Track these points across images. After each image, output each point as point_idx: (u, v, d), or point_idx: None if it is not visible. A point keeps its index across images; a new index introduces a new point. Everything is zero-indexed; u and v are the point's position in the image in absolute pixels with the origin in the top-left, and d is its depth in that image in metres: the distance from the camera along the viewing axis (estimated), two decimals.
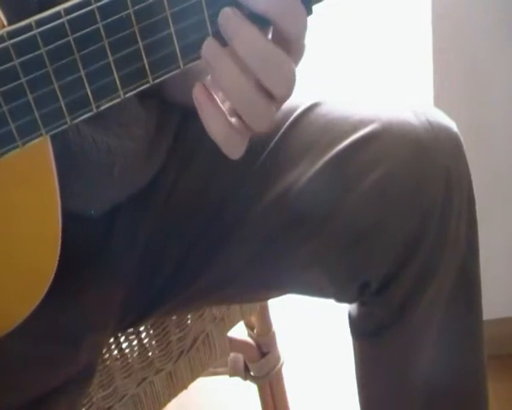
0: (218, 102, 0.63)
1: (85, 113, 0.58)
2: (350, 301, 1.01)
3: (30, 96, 0.56)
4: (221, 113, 0.63)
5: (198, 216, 0.97)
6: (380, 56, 1.73)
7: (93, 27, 0.56)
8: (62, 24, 0.55)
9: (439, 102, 1.37)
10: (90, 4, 0.55)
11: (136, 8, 0.56)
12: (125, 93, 0.59)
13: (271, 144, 0.94)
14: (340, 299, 1.00)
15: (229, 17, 0.59)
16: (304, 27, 0.61)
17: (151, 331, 1.11)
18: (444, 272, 0.93)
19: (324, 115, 0.94)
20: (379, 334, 0.99)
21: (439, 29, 1.32)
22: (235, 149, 0.64)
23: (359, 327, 1.02)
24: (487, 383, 1.04)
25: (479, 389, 1.04)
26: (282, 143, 0.94)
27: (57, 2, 0.57)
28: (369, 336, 1.02)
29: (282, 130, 0.94)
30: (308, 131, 0.94)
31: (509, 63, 1.35)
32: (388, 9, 1.56)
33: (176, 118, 0.97)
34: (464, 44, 1.34)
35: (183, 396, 1.21)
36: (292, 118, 0.95)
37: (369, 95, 0.98)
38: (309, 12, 0.61)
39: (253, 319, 1.31)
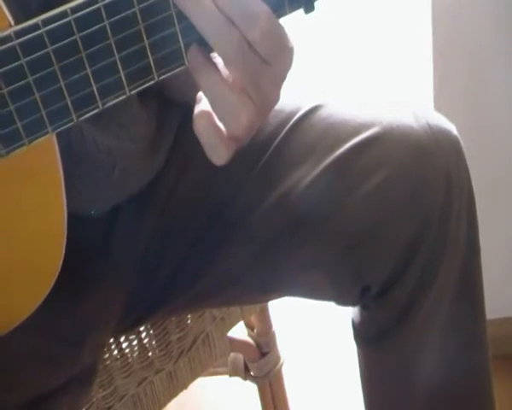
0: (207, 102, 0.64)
1: (91, 110, 0.59)
2: (350, 305, 1.01)
3: (37, 95, 0.57)
4: (207, 112, 0.64)
5: (198, 217, 0.97)
6: (380, 56, 1.73)
7: (99, 26, 0.56)
8: (69, 23, 0.55)
9: (438, 103, 1.37)
10: (96, 3, 0.56)
11: (142, 6, 0.56)
12: (130, 90, 0.59)
13: (273, 146, 0.95)
14: (340, 302, 1.01)
15: (195, 55, 0.61)
16: (291, 62, 0.63)
17: (151, 331, 1.11)
18: (445, 274, 0.93)
19: (325, 118, 0.94)
20: (382, 339, 0.99)
21: (439, 29, 1.32)
22: (216, 152, 0.66)
23: (362, 333, 1.02)
24: (492, 385, 1.04)
25: (484, 390, 1.04)
26: (284, 145, 0.94)
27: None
28: (372, 342, 1.02)
29: (284, 132, 0.95)
30: (309, 134, 0.94)
31: (509, 63, 1.35)
32: (388, 9, 1.56)
33: (176, 118, 0.96)
34: (464, 44, 1.34)
35: (183, 396, 1.21)
36: (293, 120, 0.95)
37: (369, 97, 0.98)
38: (311, 8, 0.61)
39: (253, 319, 1.31)
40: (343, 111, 0.94)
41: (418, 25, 1.36)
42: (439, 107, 1.35)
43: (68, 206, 0.69)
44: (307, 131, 0.94)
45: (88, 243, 0.90)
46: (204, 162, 0.95)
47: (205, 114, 0.65)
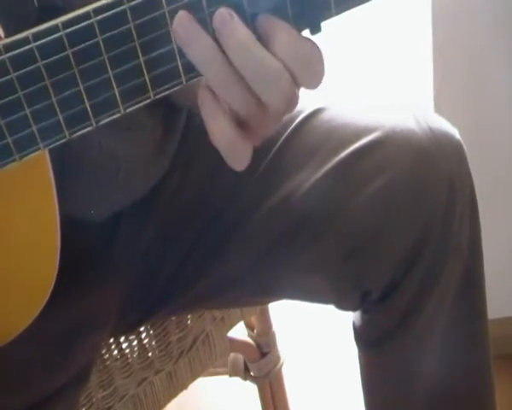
0: (222, 106, 0.60)
1: (84, 127, 0.57)
2: (351, 309, 1.01)
3: (27, 110, 0.56)
4: (225, 116, 0.60)
5: (199, 220, 0.96)
6: (380, 57, 1.73)
7: (92, 41, 0.55)
8: (60, 37, 0.54)
9: (438, 103, 1.37)
10: (89, 18, 0.54)
11: (137, 22, 0.55)
12: (125, 108, 0.57)
13: (274, 149, 0.94)
14: (340, 306, 1.00)
15: (225, 20, 0.56)
16: (322, 74, 0.59)
17: (151, 331, 1.11)
18: (447, 278, 0.93)
19: (328, 121, 0.94)
20: (383, 341, 0.99)
21: (439, 29, 1.31)
22: (238, 157, 0.62)
23: (363, 335, 1.02)
24: (494, 386, 1.04)
25: (484, 391, 1.04)
26: (285, 148, 0.94)
27: (58, 9, 0.56)
28: (373, 345, 1.02)
29: (285, 135, 0.94)
30: (311, 136, 0.93)
31: (509, 63, 1.35)
32: (388, 9, 1.56)
33: (181, 122, 0.96)
34: (464, 44, 1.34)
35: (183, 396, 1.21)
36: (295, 123, 0.94)
37: (371, 100, 0.98)
38: (317, 29, 0.59)
39: (253, 319, 1.31)
40: (345, 115, 0.94)
41: (418, 25, 1.35)
42: (439, 107, 1.35)
43: (71, 209, 0.68)
44: (309, 134, 0.94)
45: (90, 246, 0.90)
46: (206, 164, 0.96)
47: (223, 116, 0.60)
